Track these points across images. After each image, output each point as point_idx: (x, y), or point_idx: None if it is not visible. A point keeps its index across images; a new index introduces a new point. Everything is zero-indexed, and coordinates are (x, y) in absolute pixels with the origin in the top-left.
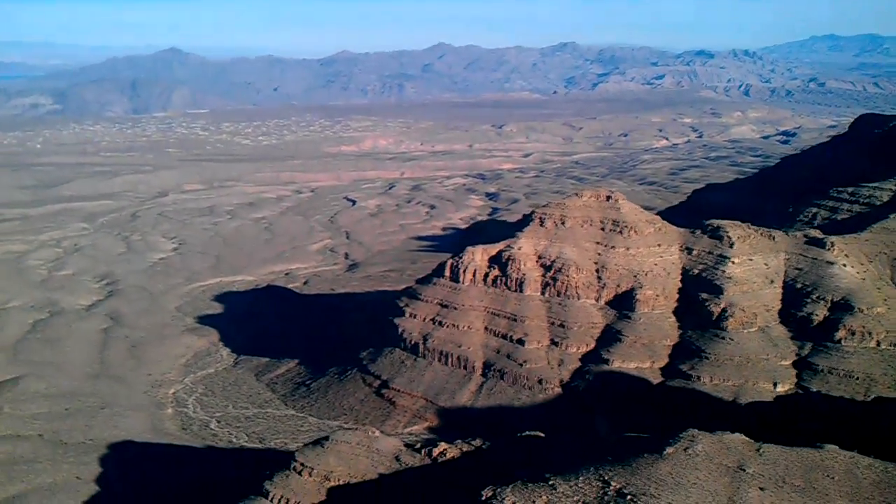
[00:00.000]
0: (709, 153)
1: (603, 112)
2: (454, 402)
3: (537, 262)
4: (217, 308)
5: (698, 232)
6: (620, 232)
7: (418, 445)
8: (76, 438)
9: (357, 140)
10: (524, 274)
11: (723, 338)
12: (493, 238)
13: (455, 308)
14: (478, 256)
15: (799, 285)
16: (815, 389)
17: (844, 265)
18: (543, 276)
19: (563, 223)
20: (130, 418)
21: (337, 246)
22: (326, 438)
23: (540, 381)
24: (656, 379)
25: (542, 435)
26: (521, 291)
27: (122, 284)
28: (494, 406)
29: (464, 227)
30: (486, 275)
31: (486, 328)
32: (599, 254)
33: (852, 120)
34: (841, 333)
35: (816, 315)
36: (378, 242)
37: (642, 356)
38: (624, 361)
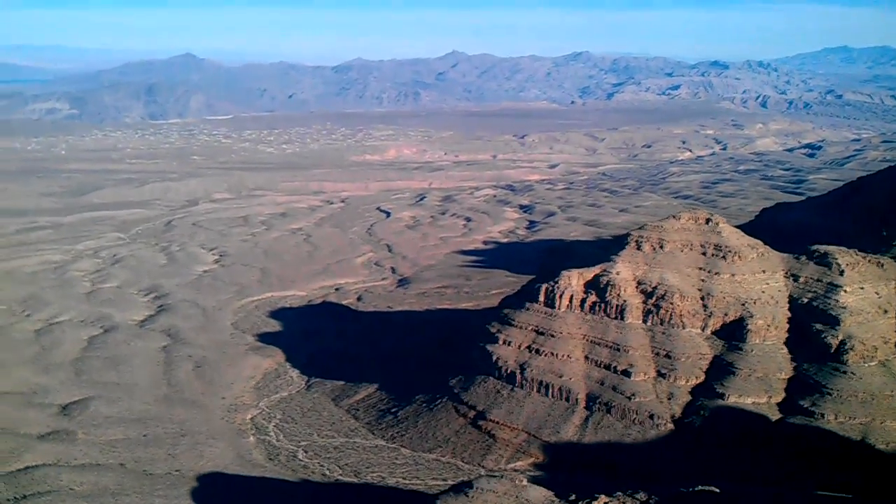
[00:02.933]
0: (737, 166)
1: (622, 122)
2: (559, 436)
3: (637, 287)
4: (274, 325)
5: (803, 258)
6: (724, 257)
7: (573, 497)
8: (161, 469)
9: (380, 149)
10: (625, 300)
11: (844, 372)
12: (582, 260)
13: (552, 335)
14: (574, 281)
15: None
16: None
17: None
18: (644, 302)
19: (661, 247)
20: (213, 447)
21: (381, 259)
22: (469, 485)
23: (651, 416)
24: (775, 415)
25: (717, 490)
26: (621, 319)
27: (172, 299)
28: (603, 442)
29: (504, 240)
30: (583, 300)
31: (586, 357)
32: (703, 280)
33: (873, 134)
34: None
35: None
36: (422, 256)
37: (758, 391)
38: (740, 396)
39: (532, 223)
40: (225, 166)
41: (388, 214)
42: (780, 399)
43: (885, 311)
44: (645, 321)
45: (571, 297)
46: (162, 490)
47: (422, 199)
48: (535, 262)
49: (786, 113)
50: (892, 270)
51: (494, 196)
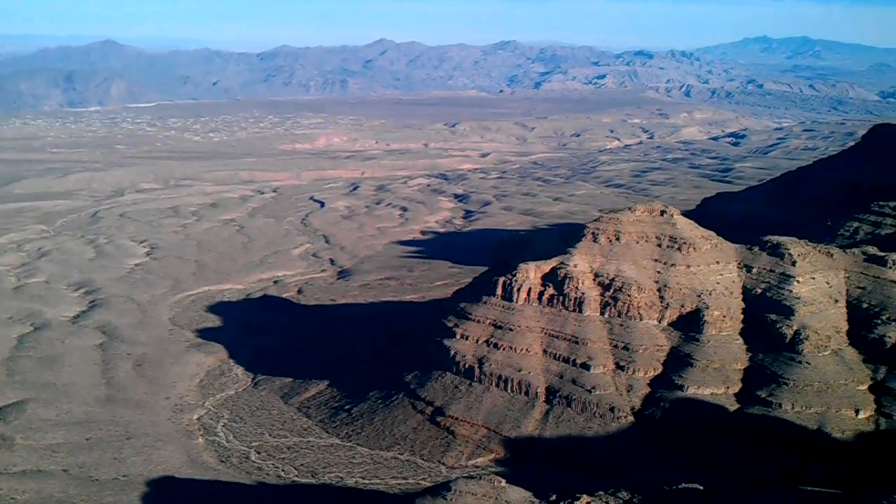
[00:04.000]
0: (665, 154)
1: (551, 111)
2: (520, 431)
3: (594, 280)
4: (214, 320)
5: (755, 248)
6: (679, 248)
7: (553, 497)
8: (108, 474)
9: (310, 138)
10: (583, 293)
11: (799, 362)
12: (534, 253)
13: (511, 329)
14: (532, 274)
15: (865, 305)
16: None
17: None
18: (602, 295)
19: (617, 239)
20: (162, 450)
21: (319, 251)
22: (447, 487)
23: (611, 409)
24: (733, 406)
25: (701, 487)
26: (579, 312)
27: (104, 294)
28: (565, 436)
29: (442, 230)
30: (541, 294)
31: (545, 351)
32: (659, 272)
33: (794, 122)
34: None
35: (889, 337)
36: (361, 247)
37: (716, 381)
38: (699, 387)
39: (468, 213)
40: (150, 155)
41: (323, 204)
42: (737, 390)
43: (836, 301)
44: (602, 313)
45: (529, 290)
46: (110, 496)
47: (355, 189)
48: (476, 252)
49: (709, 102)
50: (841, 260)
51: (428, 185)
